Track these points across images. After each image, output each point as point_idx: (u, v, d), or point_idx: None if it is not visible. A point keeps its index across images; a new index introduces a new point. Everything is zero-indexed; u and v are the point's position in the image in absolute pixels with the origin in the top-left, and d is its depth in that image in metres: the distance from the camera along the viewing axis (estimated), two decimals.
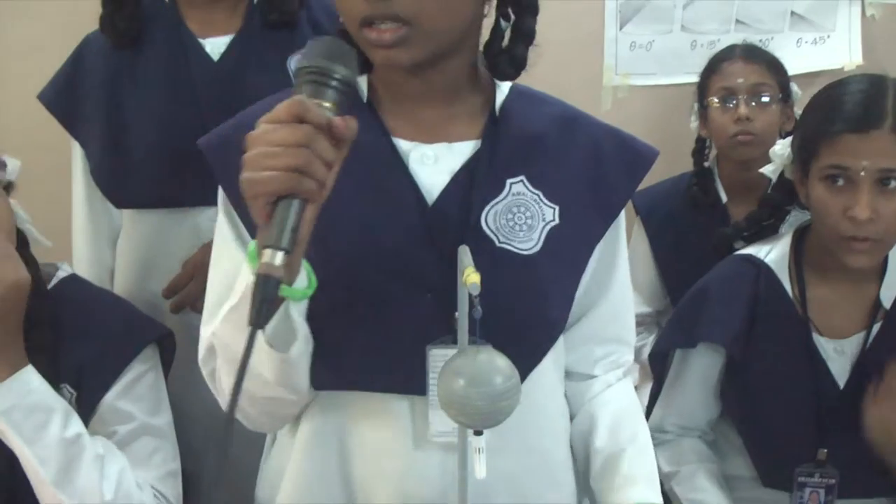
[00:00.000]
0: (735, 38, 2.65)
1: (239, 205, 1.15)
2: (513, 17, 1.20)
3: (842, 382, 1.65)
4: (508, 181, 1.19)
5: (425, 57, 1.11)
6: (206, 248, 1.53)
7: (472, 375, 1.02)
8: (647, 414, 1.84)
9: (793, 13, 2.74)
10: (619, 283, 1.29)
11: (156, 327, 1.50)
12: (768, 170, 1.75)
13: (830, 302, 1.67)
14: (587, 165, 1.23)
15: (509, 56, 1.21)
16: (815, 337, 1.66)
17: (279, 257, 0.89)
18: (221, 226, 1.20)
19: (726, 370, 1.73)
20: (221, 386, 1.16)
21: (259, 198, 0.92)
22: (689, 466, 1.75)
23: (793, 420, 1.66)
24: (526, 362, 1.17)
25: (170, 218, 1.75)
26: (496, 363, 1.03)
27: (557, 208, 1.19)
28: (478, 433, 1.06)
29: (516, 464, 1.20)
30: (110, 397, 1.39)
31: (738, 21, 2.74)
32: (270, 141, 0.92)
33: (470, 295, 1.01)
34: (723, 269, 1.77)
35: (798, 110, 2.33)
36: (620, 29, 2.72)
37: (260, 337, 0.98)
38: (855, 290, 1.66)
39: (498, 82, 1.25)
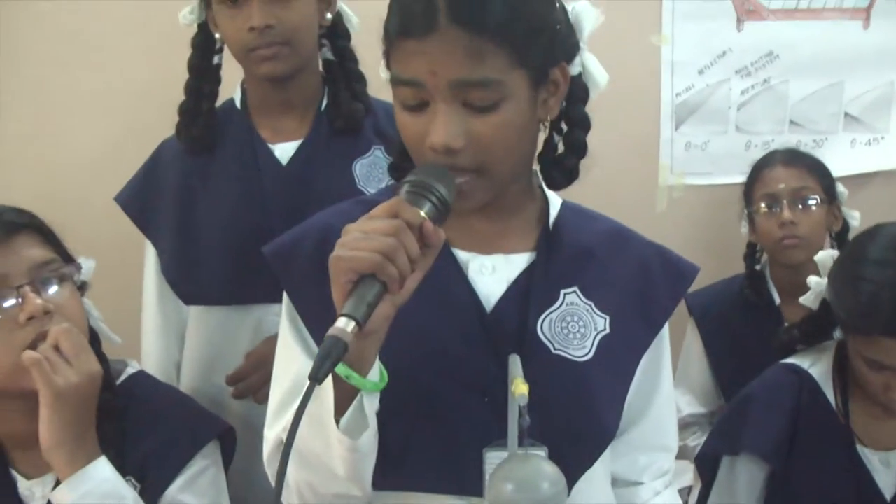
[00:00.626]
0: (789, 138, 2.69)
1: (304, 312, 1.21)
2: (565, 129, 1.25)
3: (889, 495, 1.63)
4: (563, 292, 1.23)
5: (493, 197, 1.16)
6: (270, 341, 1.59)
7: (520, 481, 1.04)
8: None
9: (846, 114, 2.75)
10: (663, 393, 1.31)
11: (217, 423, 1.54)
12: (808, 300, 1.76)
13: (875, 413, 1.66)
14: (635, 279, 1.27)
15: (562, 168, 1.25)
16: (860, 448, 1.65)
17: (351, 325, 0.95)
18: (285, 331, 1.24)
19: (770, 480, 1.72)
20: (288, 482, 1.17)
21: (343, 274, 0.98)
22: None
23: None
24: (579, 465, 1.19)
25: (235, 314, 1.82)
26: (544, 469, 1.06)
27: (608, 318, 1.23)
28: None
29: None
30: (173, 491, 1.44)
31: (791, 122, 2.75)
32: (365, 228, 1.00)
33: (519, 405, 1.04)
34: (767, 377, 1.77)
35: (847, 210, 2.35)
36: (676, 129, 2.75)
37: (333, 429, 1.03)
38: None
39: (549, 195, 1.30)
